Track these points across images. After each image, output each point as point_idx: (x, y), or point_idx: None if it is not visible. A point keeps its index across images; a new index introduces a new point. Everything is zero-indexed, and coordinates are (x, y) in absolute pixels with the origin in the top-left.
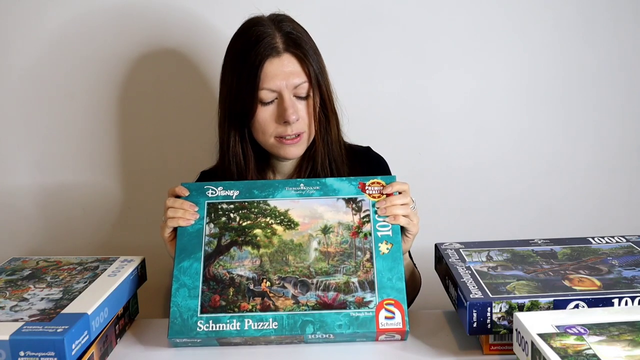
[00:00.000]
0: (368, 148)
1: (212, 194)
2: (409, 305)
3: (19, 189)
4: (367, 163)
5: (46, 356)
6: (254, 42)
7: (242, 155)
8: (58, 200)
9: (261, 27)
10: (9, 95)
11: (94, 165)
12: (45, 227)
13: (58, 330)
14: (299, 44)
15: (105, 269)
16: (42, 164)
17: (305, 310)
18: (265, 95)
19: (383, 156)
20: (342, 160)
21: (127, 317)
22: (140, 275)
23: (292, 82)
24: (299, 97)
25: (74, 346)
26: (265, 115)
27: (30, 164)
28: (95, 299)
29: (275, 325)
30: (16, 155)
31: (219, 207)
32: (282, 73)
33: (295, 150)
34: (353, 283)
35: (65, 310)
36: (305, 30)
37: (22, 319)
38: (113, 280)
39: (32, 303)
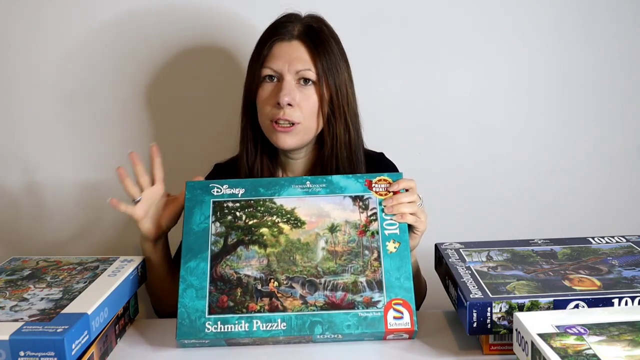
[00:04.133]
0: (381, 154)
1: (217, 192)
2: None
3: (18, 188)
4: (379, 169)
5: (46, 356)
6: (274, 27)
7: (255, 150)
8: (58, 200)
9: (288, 18)
10: (10, 95)
11: (95, 165)
12: (46, 227)
13: (58, 330)
14: (315, 36)
15: (105, 269)
16: (42, 164)
17: (314, 310)
18: (266, 72)
19: (394, 162)
20: (353, 165)
21: (127, 317)
22: (140, 275)
23: (295, 67)
24: (301, 85)
25: (74, 346)
26: (264, 94)
27: (30, 163)
28: (95, 299)
29: (283, 326)
30: (16, 154)
31: (225, 205)
32: (288, 56)
33: (288, 139)
34: (361, 283)
35: (65, 310)
36: (334, 35)
37: (22, 319)
38: (113, 280)
39: (32, 303)
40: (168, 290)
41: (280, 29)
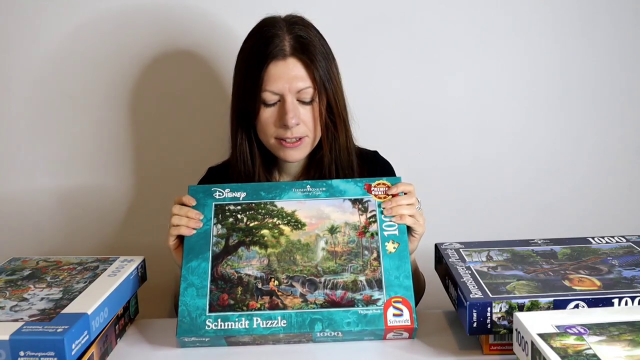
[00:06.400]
0: (375, 152)
1: (219, 195)
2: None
3: (19, 189)
4: (373, 167)
5: (46, 356)
6: (263, 43)
7: (250, 154)
8: (58, 200)
9: (272, 29)
10: (11, 96)
11: (95, 166)
12: (46, 227)
13: (58, 330)
14: (307, 48)
15: (105, 269)
16: (42, 165)
17: (314, 308)
18: (268, 96)
19: (389, 161)
20: (352, 167)
21: (127, 317)
22: (141, 275)
23: (295, 86)
24: (302, 102)
25: (74, 346)
26: (266, 116)
27: (31, 164)
28: (95, 299)
29: (284, 324)
30: (17, 155)
31: (226, 208)
32: (286, 76)
33: (296, 154)
34: (361, 281)
35: (65, 310)
36: (319, 34)
37: (22, 319)
38: (113, 280)
39: (32, 303)
40: None
41: (271, 47)
